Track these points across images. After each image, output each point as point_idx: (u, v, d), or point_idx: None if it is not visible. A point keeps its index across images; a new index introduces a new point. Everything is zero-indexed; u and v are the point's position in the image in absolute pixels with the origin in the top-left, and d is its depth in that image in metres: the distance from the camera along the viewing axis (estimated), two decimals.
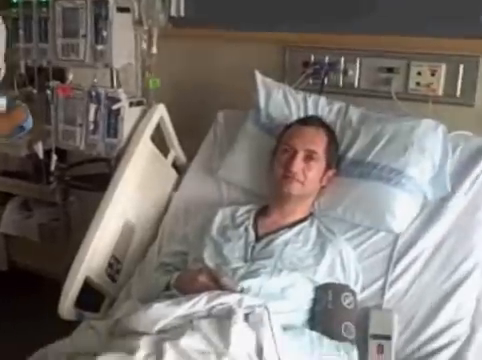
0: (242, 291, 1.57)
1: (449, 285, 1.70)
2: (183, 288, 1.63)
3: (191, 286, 1.60)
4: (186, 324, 1.46)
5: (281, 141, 1.89)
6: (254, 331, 1.42)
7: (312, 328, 1.63)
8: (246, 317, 1.46)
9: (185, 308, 1.48)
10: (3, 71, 1.99)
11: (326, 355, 1.55)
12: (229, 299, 1.50)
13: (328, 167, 1.86)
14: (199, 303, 1.49)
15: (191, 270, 1.72)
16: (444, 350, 1.60)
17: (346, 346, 1.60)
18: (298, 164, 1.79)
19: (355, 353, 1.61)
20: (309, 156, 1.81)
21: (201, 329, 1.43)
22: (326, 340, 1.58)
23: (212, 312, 1.48)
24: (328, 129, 1.89)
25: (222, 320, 1.45)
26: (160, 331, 1.47)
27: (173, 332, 1.45)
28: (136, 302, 1.65)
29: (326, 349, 1.56)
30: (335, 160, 1.89)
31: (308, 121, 1.90)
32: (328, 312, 1.64)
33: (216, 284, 1.57)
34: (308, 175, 1.80)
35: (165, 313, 1.48)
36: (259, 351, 1.41)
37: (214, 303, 1.49)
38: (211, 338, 1.41)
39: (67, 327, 1.76)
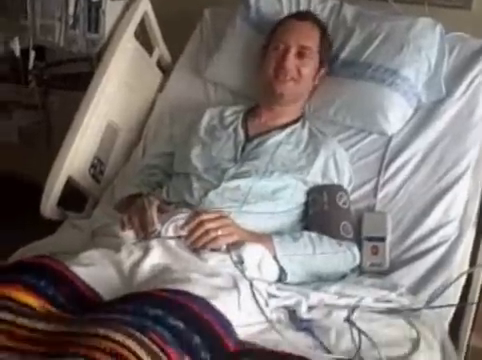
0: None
1: (439, 188, 1.69)
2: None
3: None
4: None
5: (273, 38, 1.80)
6: None
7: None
8: None
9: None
10: None
11: (328, 253, 1.53)
12: None
13: (321, 65, 1.79)
14: None
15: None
16: (433, 251, 1.59)
17: (347, 243, 1.58)
18: (291, 61, 1.71)
19: (356, 249, 1.59)
20: (302, 53, 1.73)
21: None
22: (325, 237, 1.56)
23: None
24: (321, 25, 1.82)
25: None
26: None
27: None
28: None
29: (327, 246, 1.54)
30: (328, 58, 1.82)
31: (302, 16, 1.81)
32: (325, 213, 1.61)
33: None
34: (303, 72, 1.73)
35: None
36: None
37: None
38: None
39: (48, 230, 1.73)
